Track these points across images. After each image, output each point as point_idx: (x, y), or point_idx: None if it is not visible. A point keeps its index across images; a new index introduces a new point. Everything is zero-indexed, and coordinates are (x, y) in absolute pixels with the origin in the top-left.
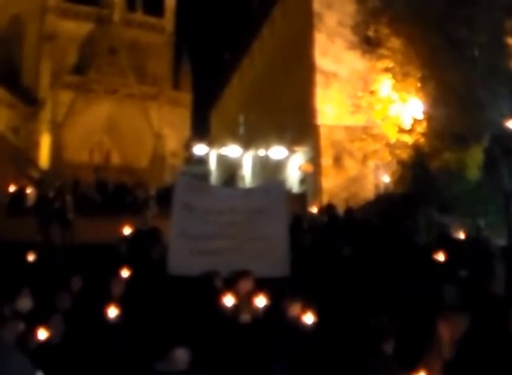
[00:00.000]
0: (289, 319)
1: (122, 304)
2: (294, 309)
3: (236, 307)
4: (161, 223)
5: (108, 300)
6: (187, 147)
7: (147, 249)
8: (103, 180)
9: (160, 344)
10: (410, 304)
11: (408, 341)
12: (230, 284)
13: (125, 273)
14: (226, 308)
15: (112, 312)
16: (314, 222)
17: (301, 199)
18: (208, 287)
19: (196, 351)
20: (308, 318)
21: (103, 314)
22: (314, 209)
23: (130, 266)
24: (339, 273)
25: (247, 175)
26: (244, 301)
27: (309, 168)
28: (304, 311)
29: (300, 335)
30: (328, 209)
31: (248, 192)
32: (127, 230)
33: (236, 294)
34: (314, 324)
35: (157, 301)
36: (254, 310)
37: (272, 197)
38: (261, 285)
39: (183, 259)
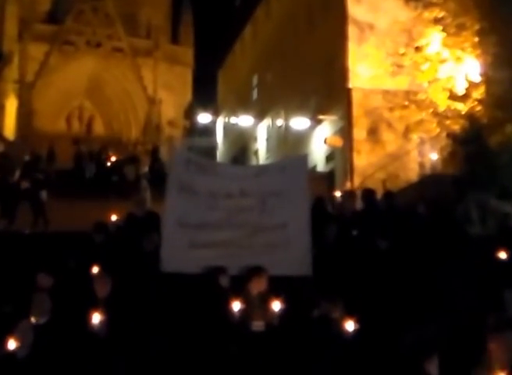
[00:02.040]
0: (325, 327)
1: (107, 308)
2: (335, 316)
3: (246, 312)
4: (154, 208)
5: (90, 304)
6: (188, 114)
7: (140, 240)
8: (84, 154)
9: (153, 359)
10: (461, 313)
11: (456, 360)
12: (239, 284)
13: (100, 269)
14: (234, 313)
15: (96, 318)
16: (342, 208)
17: (327, 180)
18: (211, 287)
19: (199, 364)
20: (350, 325)
21: (84, 321)
22: (343, 192)
23: (117, 261)
24: (372, 272)
25: (262, 150)
26: (256, 304)
27: (338, 142)
28: (345, 318)
29: (338, 348)
30: (365, 194)
31: (262, 171)
32: (114, 217)
33: (247, 296)
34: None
35: (150, 306)
36: (269, 316)
37: (292, 177)
38: (277, 285)
39: (180, 253)
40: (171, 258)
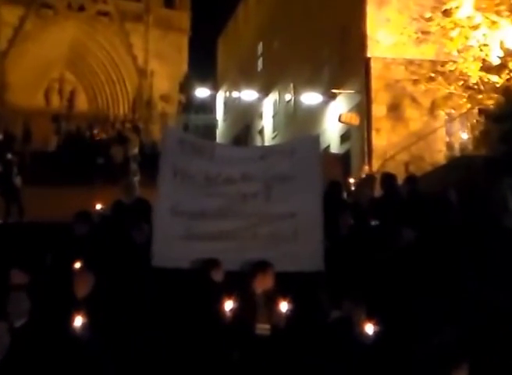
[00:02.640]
0: (346, 331)
1: (89, 309)
2: (358, 319)
3: (249, 313)
4: (144, 194)
5: (70, 304)
6: (184, 88)
7: (129, 231)
8: (65, 132)
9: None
10: (494, 316)
11: (487, 368)
12: (241, 281)
13: (82, 265)
14: (226, 313)
15: (78, 321)
16: (359, 195)
17: (342, 163)
18: (202, 283)
19: (195, 372)
20: (370, 328)
21: (65, 324)
22: (360, 177)
23: (102, 256)
24: (393, 267)
25: (267, 128)
26: (261, 304)
27: (354, 119)
28: (366, 319)
29: (357, 354)
30: (385, 179)
31: (268, 153)
32: (99, 205)
33: (251, 294)
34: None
35: (140, 306)
36: (275, 317)
37: (302, 159)
38: (284, 283)
39: (174, 246)
40: (163, 251)
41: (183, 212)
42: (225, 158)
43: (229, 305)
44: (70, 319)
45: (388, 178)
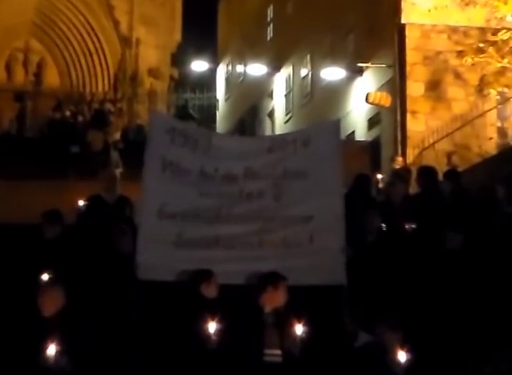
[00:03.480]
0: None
1: (59, 332)
2: (392, 345)
3: (256, 336)
4: (127, 191)
5: (36, 326)
6: (177, 61)
7: (110, 236)
8: (31, 114)
9: None
10: None
11: None
12: (245, 298)
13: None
14: (210, 336)
15: (51, 349)
16: (391, 192)
17: (370, 153)
18: (190, 300)
19: None
20: (402, 355)
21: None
22: (392, 170)
23: (76, 265)
24: (434, 281)
25: (279, 110)
26: (271, 326)
27: (385, 99)
28: (400, 346)
29: None
30: (424, 173)
31: (277, 143)
32: (82, 202)
33: (258, 314)
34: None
35: (123, 327)
36: (288, 342)
37: (319, 151)
38: (298, 300)
39: (161, 255)
40: (150, 261)
41: (173, 214)
42: (225, 151)
43: (216, 327)
44: (38, 346)
45: (427, 172)
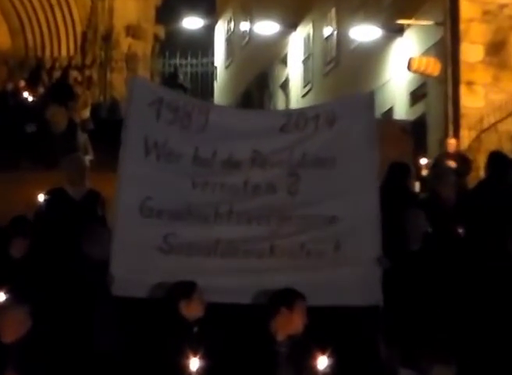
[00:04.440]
0: None
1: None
2: None
3: (265, 372)
4: (99, 184)
5: None
6: (163, 17)
7: (79, 241)
8: None
9: None
10: None
11: None
12: (250, 321)
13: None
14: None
15: None
16: (440, 186)
17: (413, 135)
18: (168, 322)
19: None
20: None
21: None
22: (442, 157)
23: (39, 280)
24: (500, 300)
25: (295, 80)
26: (285, 359)
27: (433, 67)
28: None
29: None
30: (491, 161)
31: (294, 120)
32: (41, 197)
33: (268, 343)
34: None
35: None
36: None
37: (347, 131)
38: (321, 326)
39: (143, 266)
40: (128, 272)
41: (159, 212)
42: (226, 129)
43: (194, 364)
44: None
45: (495, 159)
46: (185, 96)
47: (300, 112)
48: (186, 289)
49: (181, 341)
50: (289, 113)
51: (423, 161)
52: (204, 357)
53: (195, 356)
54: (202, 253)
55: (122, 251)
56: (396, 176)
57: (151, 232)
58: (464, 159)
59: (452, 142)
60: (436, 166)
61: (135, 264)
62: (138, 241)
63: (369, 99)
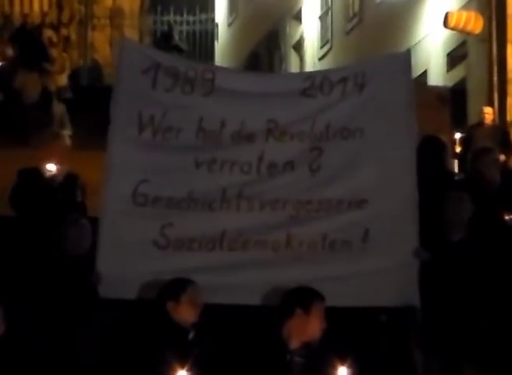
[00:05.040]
0: None
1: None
2: None
3: None
4: (79, 165)
5: None
6: None
7: (55, 232)
8: None
9: None
10: None
11: None
12: (258, 326)
13: None
14: None
15: None
16: (483, 165)
17: (451, 104)
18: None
19: None
20: None
21: None
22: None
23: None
24: None
25: (310, 39)
26: (300, 369)
27: (474, 23)
28: None
29: None
30: None
31: (319, 83)
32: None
33: (280, 351)
34: None
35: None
36: None
37: (382, 97)
38: (341, 330)
39: (136, 262)
40: (117, 270)
41: (155, 198)
42: (235, 95)
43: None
44: None
45: None
46: (186, 60)
47: (325, 75)
48: (175, 288)
49: (170, 349)
50: (311, 76)
51: (457, 135)
52: (197, 369)
53: (182, 369)
54: (205, 247)
55: (111, 246)
56: (429, 152)
57: (146, 223)
58: (503, 133)
59: (488, 111)
60: (470, 141)
61: (126, 261)
62: (130, 235)
63: (405, 59)
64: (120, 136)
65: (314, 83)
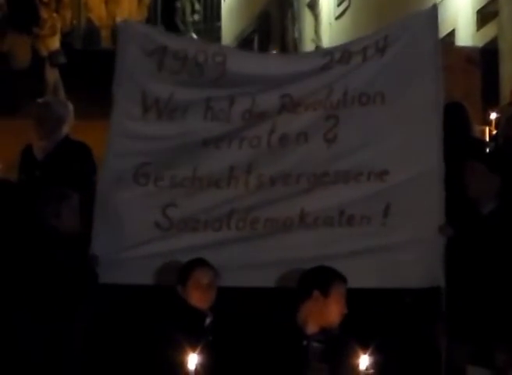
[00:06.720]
0: None
1: None
2: None
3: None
4: (77, 136)
5: None
6: None
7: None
8: None
9: None
10: None
11: None
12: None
13: None
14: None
15: None
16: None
17: (481, 67)
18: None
19: None
20: None
21: None
22: None
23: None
24: None
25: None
26: (318, 356)
27: None
28: None
29: None
30: None
31: (339, 57)
32: None
33: (296, 337)
34: None
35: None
36: None
37: (403, 56)
38: (362, 314)
39: (137, 245)
40: (116, 254)
41: (157, 179)
42: (248, 76)
43: (192, 361)
44: None
45: None
46: (195, 41)
47: (344, 49)
48: (182, 271)
49: (182, 332)
50: (330, 51)
51: (493, 115)
52: (209, 353)
53: (194, 351)
54: (211, 227)
55: (110, 228)
56: (460, 121)
57: (147, 203)
58: None
59: None
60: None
61: (126, 243)
62: (130, 215)
63: (431, 16)
64: (122, 115)
65: (333, 58)
